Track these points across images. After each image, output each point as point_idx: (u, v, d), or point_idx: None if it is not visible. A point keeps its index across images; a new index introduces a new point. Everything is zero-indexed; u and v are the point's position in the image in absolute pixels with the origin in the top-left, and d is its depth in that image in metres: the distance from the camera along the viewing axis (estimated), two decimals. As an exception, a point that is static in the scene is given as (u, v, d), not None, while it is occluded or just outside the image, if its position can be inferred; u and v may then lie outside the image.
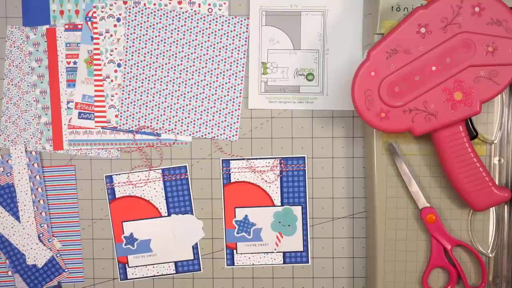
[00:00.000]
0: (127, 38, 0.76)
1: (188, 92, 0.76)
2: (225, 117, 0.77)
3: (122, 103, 0.76)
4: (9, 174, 0.77)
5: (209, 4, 0.75)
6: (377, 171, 0.72)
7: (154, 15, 0.75)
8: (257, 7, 0.75)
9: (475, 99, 0.65)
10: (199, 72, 0.76)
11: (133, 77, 0.76)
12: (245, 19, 0.76)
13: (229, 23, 0.76)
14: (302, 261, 0.78)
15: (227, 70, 0.76)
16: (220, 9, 0.75)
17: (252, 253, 0.78)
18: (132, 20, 0.76)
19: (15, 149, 0.76)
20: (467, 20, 0.64)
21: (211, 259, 0.78)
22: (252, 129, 0.77)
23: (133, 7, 0.75)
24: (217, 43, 0.76)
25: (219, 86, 0.76)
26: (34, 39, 0.76)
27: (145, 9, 0.75)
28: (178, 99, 0.76)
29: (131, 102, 0.76)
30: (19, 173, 0.77)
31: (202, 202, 0.78)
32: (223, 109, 0.76)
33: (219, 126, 0.77)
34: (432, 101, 0.65)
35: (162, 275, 0.78)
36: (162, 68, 0.76)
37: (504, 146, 0.71)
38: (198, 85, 0.76)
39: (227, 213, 0.77)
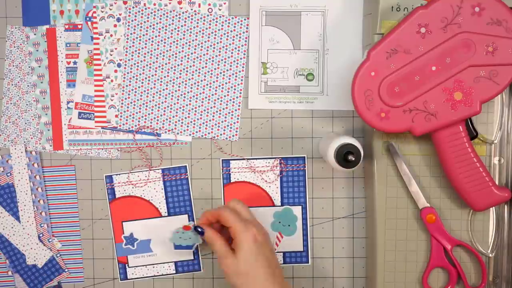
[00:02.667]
0: (127, 38, 0.76)
1: (188, 92, 0.76)
2: (225, 117, 0.77)
3: (122, 103, 0.76)
4: (9, 174, 0.77)
5: (209, 4, 0.75)
6: (377, 171, 0.72)
7: (154, 15, 0.75)
8: (257, 7, 0.75)
9: (475, 99, 0.65)
10: (199, 72, 0.76)
11: (133, 77, 0.76)
12: (245, 19, 0.76)
13: (229, 23, 0.76)
14: (302, 261, 0.78)
15: (227, 70, 0.76)
16: (220, 9, 0.75)
17: (252, 253, 0.77)
18: (132, 20, 0.76)
19: (15, 149, 0.76)
20: (467, 20, 0.64)
21: (211, 259, 0.78)
22: (252, 129, 0.77)
23: (133, 7, 0.75)
24: (217, 43, 0.76)
25: (219, 86, 0.76)
26: (34, 39, 0.76)
27: (145, 9, 0.75)
28: (178, 99, 0.76)
29: (131, 102, 0.76)
30: (19, 173, 0.77)
31: (202, 202, 0.78)
32: (223, 109, 0.76)
33: (219, 126, 0.77)
34: (432, 101, 0.65)
35: (162, 275, 0.78)
36: (162, 68, 0.76)
37: (504, 146, 0.71)
38: (198, 85, 0.76)
39: (227, 213, 0.77)
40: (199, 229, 0.70)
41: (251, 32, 0.76)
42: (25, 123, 0.77)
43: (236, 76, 0.76)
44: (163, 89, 0.76)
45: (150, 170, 0.77)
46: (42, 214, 0.77)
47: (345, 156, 0.64)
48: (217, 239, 0.68)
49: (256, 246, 0.65)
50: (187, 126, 0.77)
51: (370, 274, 0.76)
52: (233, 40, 0.76)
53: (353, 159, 0.64)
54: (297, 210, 0.77)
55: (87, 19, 0.76)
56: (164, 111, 0.76)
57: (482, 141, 0.71)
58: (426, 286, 0.72)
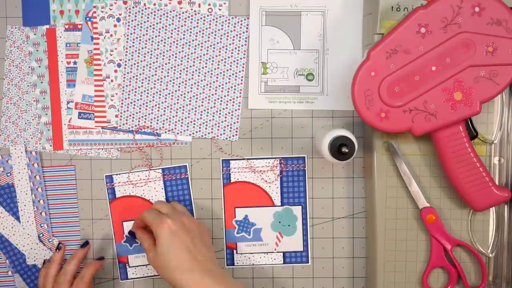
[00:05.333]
0: (127, 38, 0.76)
1: (188, 92, 0.76)
2: (225, 117, 0.77)
3: (122, 103, 0.76)
4: (9, 174, 0.77)
5: (209, 4, 0.75)
6: (377, 171, 0.72)
7: (154, 15, 0.75)
8: (257, 7, 0.75)
9: (475, 99, 0.65)
10: (199, 72, 0.76)
11: (133, 77, 0.76)
12: (245, 19, 0.76)
13: (229, 23, 0.76)
14: (302, 261, 0.78)
15: (227, 70, 0.76)
16: (220, 9, 0.75)
17: (252, 253, 0.78)
18: (132, 20, 0.76)
19: (15, 149, 0.76)
20: (467, 20, 0.64)
21: (211, 259, 0.78)
22: (252, 129, 0.77)
23: (133, 7, 0.75)
24: (217, 43, 0.76)
25: (219, 86, 0.76)
26: (34, 39, 0.76)
27: (145, 9, 0.75)
28: (178, 99, 0.76)
29: (131, 102, 0.76)
30: (19, 173, 0.77)
31: (202, 202, 0.78)
32: (223, 109, 0.76)
33: (219, 126, 0.77)
34: (432, 101, 0.65)
35: (162, 275, 0.78)
36: (162, 68, 0.76)
37: (504, 146, 0.71)
38: (198, 85, 0.76)
39: (227, 213, 0.77)
40: (131, 233, 0.74)
41: (251, 32, 0.76)
42: (25, 123, 0.77)
43: (236, 76, 0.76)
44: (163, 89, 0.76)
45: (150, 170, 0.77)
46: (42, 214, 0.77)
47: (339, 149, 0.64)
48: (145, 238, 0.70)
49: (171, 236, 0.66)
50: (187, 126, 0.77)
51: (370, 274, 0.76)
52: (233, 40, 0.76)
53: (347, 150, 0.64)
54: (297, 210, 0.77)
55: (87, 19, 0.76)
56: (164, 111, 0.76)
57: (482, 141, 0.71)
58: (426, 286, 0.72)
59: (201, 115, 0.76)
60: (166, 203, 0.73)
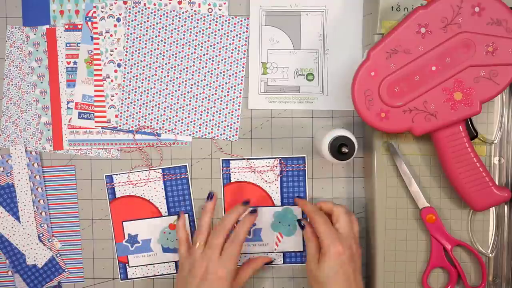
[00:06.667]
0: (127, 38, 0.76)
1: (188, 92, 0.76)
2: (225, 117, 0.77)
3: (122, 103, 0.76)
4: (9, 174, 0.77)
5: (209, 4, 0.75)
6: (377, 171, 0.72)
7: (154, 15, 0.75)
8: (257, 7, 0.75)
9: (475, 99, 0.65)
10: (199, 72, 0.76)
11: (133, 77, 0.76)
12: (245, 19, 0.76)
13: (229, 23, 0.76)
14: (302, 261, 0.78)
15: (227, 70, 0.76)
16: (220, 9, 0.75)
17: (252, 253, 0.78)
18: (132, 20, 0.76)
19: (15, 149, 0.76)
20: (467, 20, 0.64)
21: (211, 259, 0.78)
22: (252, 129, 0.77)
23: (133, 7, 0.75)
24: (217, 43, 0.76)
25: (219, 86, 0.76)
26: (34, 39, 0.76)
27: (145, 9, 0.75)
28: (178, 99, 0.76)
29: (131, 102, 0.76)
30: (19, 173, 0.77)
31: (202, 202, 0.77)
32: (223, 109, 0.76)
33: (219, 126, 0.77)
34: (432, 101, 0.65)
35: (162, 275, 0.78)
36: (162, 68, 0.76)
37: (504, 146, 0.71)
38: (198, 85, 0.76)
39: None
40: (301, 224, 0.72)
41: (251, 32, 0.76)
42: (25, 123, 0.77)
43: (236, 76, 0.76)
44: (163, 89, 0.76)
45: (150, 169, 0.77)
46: (42, 214, 0.77)
47: (339, 149, 0.64)
48: (312, 241, 0.69)
49: (338, 262, 0.66)
50: (187, 126, 0.77)
51: (370, 274, 0.76)
52: (233, 40, 0.76)
53: (347, 150, 0.64)
54: (297, 210, 0.77)
55: (87, 19, 0.76)
56: (164, 111, 0.76)
57: (482, 141, 0.71)
58: (426, 286, 0.72)
59: (201, 115, 0.76)
60: (347, 217, 0.70)
